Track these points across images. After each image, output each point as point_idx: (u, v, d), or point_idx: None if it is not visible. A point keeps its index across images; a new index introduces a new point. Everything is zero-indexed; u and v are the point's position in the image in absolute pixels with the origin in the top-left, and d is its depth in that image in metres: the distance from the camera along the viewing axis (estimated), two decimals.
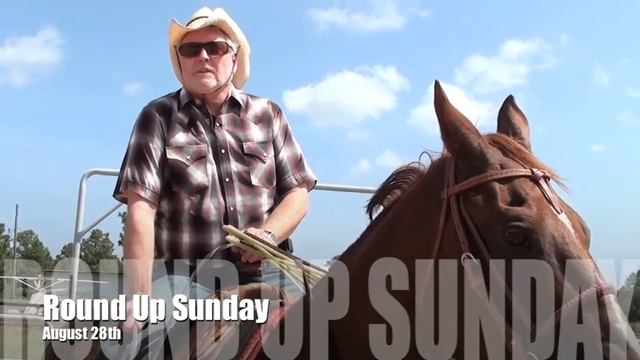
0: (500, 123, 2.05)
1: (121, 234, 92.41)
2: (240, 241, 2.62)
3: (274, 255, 2.63)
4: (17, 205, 75.71)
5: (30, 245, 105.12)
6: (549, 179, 1.83)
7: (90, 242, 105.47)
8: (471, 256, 1.73)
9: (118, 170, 3.01)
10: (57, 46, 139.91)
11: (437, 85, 1.89)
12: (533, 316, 1.62)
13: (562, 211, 1.75)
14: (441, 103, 1.88)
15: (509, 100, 2.09)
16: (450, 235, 1.82)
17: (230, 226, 2.68)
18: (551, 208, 1.74)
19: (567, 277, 1.63)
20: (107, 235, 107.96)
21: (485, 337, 1.70)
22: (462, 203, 1.81)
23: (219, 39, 2.98)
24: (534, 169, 1.81)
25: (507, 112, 2.06)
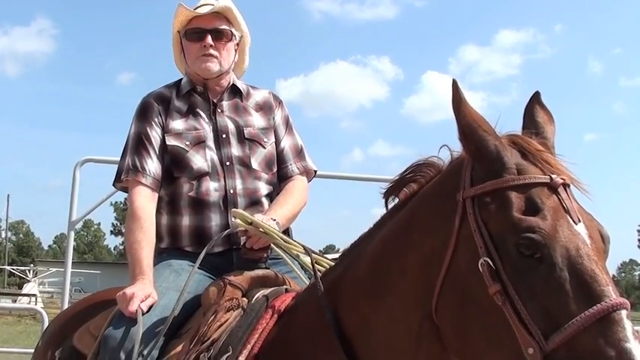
0: (525, 121, 1.99)
1: (113, 223, 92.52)
2: (249, 224, 2.61)
3: (285, 241, 2.64)
4: (8, 195, 75.57)
5: (22, 235, 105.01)
6: (569, 186, 1.77)
7: (82, 232, 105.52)
8: (489, 261, 1.69)
9: (112, 158, 3.03)
10: (50, 36, 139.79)
11: (454, 85, 1.84)
12: (544, 330, 1.58)
13: (580, 220, 1.70)
14: (458, 103, 1.84)
15: (535, 97, 2.02)
16: (464, 238, 1.78)
17: (239, 210, 2.68)
18: (568, 218, 1.69)
19: (578, 291, 1.59)
20: (99, 224, 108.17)
21: (502, 344, 1.66)
22: (477, 207, 1.77)
23: (224, 26, 3.02)
24: (553, 176, 1.74)
25: (532, 109, 1.99)
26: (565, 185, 1.76)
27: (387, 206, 2.18)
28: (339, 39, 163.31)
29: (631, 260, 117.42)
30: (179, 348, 2.40)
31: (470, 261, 1.74)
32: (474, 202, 1.78)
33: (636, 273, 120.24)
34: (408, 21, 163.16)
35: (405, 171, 2.14)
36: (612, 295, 1.58)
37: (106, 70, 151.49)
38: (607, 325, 1.54)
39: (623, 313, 1.57)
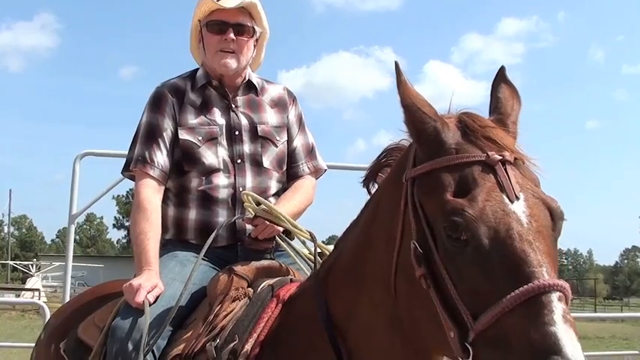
0: (491, 97, 1.97)
1: (115, 217, 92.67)
2: (259, 210, 2.64)
3: (293, 226, 2.67)
4: (10, 190, 75.55)
5: (24, 230, 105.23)
6: (511, 162, 1.72)
7: (84, 226, 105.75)
8: (416, 244, 1.70)
9: (112, 151, 3.02)
10: (54, 31, 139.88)
11: (397, 68, 1.84)
12: (473, 311, 1.57)
13: (519, 198, 1.66)
14: (399, 86, 1.84)
15: (500, 73, 2.00)
16: (407, 221, 1.79)
17: (249, 192, 2.70)
18: (503, 197, 1.65)
19: (506, 272, 1.55)
20: (101, 218, 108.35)
21: (438, 325, 1.66)
22: (415, 189, 1.77)
23: (248, 22, 2.98)
24: (490, 153, 1.70)
25: (497, 85, 1.97)
26: (505, 162, 1.71)
27: (369, 193, 2.20)
28: (341, 30, 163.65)
29: (633, 247, 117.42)
30: (185, 337, 2.42)
31: (410, 244, 1.74)
32: (413, 184, 1.78)
33: (639, 259, 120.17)
34: (411, 11, 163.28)
35: (379, 156, 2.16)
36: (543, 276, 1.54)
37: (109, 63, 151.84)
38: (534, 308, 1.50)
39: (554, 295, 1.52)
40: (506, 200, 1.65)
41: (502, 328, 1.52)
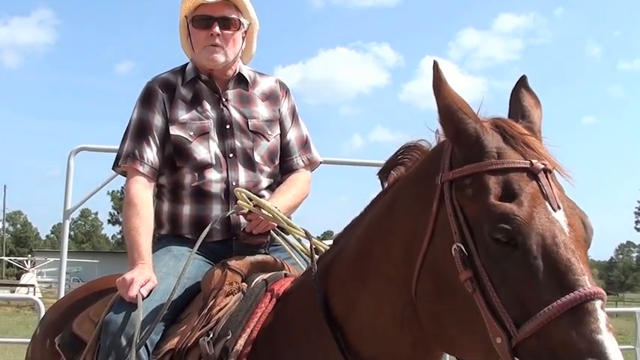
0: (511, 105, 1.96)
1: (110, 212, 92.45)
2: (253, 206, 2.63)
3: (287, 223, 2.65)
4: (5, 186, 75.29)
5: (19, 226, 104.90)
6: (551, 171, 1.74)
7: (79, 221, 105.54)
8: (462, 247, 1.68)
9: (107, 147, 3.02)
10: (52, 26, 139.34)
11: (435, 66, 1.80)
12: (515, 319, 1.57)
13: (560, 207, 1.67)
14: (438, 85, 1.80)
15: (522, 81, 1.99)
16: (441, 223, 1.77)
17: (242, 189, 2.69)
18: (547, 204, 1.65)
19: (552, 279, 1.56)
20: (96, 213, 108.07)
21: (473, 331, 1.65)
22: (454, 191, 1.75)
23: (233, 15, 2.95)
24: (534, 161, 1.71)
25: (519, 93, 1.97)
26: (546, 171, 1.72)
27: (383, 187, 2.18)
28: (339, 26, 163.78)
29: (628, 242, 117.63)
30: (179, 332, 2.41)
31: (446, 246, 1.72)
32: (452, 186, 1.76)
33: (634, 255, 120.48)
34: (408, 7, 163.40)
35: (395, 154, 2.14)
36: (587, 284, 1.54)
37: (105, 59, 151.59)
38: (579, 316, 1.51)
39: (598, 303, 1.53)
40: (550, 208, 1.65)
41: (546, 336, 1.52)
